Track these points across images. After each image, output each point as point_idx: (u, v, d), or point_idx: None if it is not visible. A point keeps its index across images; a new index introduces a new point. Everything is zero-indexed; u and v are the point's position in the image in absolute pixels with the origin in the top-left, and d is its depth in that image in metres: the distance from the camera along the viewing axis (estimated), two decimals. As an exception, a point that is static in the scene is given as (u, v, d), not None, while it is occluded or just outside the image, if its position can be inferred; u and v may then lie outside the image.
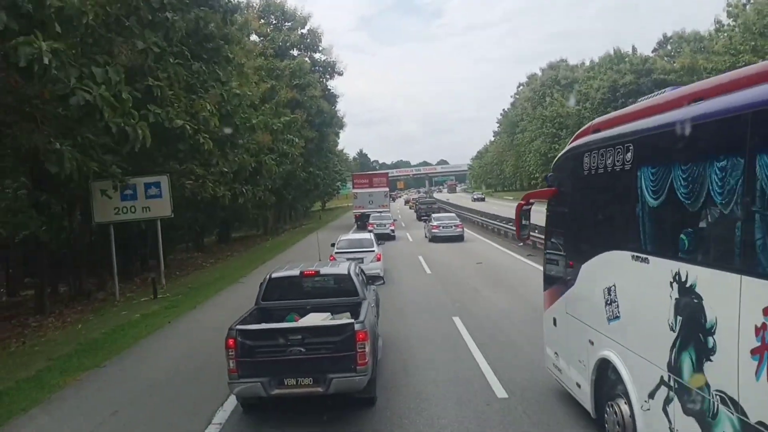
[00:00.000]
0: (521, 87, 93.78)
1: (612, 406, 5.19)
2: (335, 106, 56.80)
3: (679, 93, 4.46)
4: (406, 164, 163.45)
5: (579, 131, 6.47)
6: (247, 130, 20.82)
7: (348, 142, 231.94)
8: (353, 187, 41.38)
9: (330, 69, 53.60)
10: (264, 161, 24.96)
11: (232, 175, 21.44)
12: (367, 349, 6.16)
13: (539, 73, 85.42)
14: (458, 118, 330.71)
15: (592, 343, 5.54)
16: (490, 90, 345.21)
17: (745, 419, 3.28)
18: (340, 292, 8.00)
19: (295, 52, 48.56)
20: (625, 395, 4.89)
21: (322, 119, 48.21)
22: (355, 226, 35.82)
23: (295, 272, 8.27)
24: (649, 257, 4.40)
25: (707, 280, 3.66)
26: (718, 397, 3.54)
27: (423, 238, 30.10)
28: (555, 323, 6.72)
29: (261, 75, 31.98)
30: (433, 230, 27.96)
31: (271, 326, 6.80)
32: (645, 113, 4.73)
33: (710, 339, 3.60)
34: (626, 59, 62.74)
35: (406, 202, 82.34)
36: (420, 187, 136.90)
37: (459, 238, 27.59)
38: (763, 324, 3.08)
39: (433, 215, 32.81)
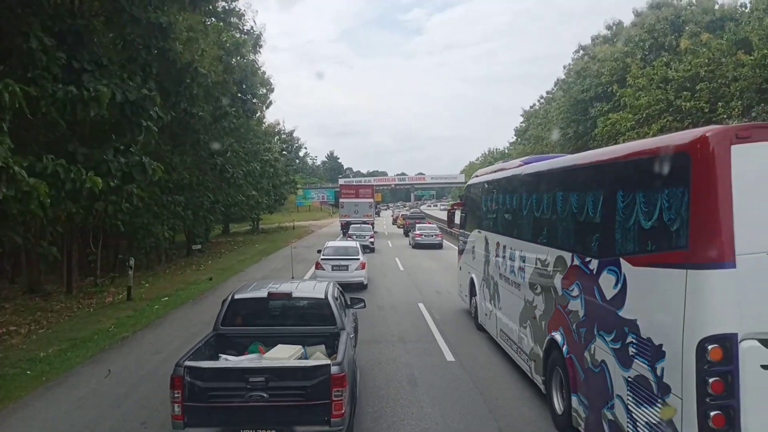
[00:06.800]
0: (579, 54, 55.23)
1: (473, 299, 11.86)
2: None
3: (491, 168, 11.23)
4: (383, 174, 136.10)
5: (474, 173, 13.24)
6: None
7: (319, 151, 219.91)
8: (341, 197, 46.27)
9: None
10: None
11: None
12: (345, 396, 5.41)
13: (629, 21, 48.40)
14: (433, 135, 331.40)
15: (469, 273, 12.24)
16: (466, 111, 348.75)
17: (492, 280, 9.97)
18: (315, 319, 7.17)
19: None
20: (476, 291, 11.54)
21: None
22: (341, 234, 39.84)
23: (263, 293, 7.36)
24: (482, 231, 11.11)
25: (490, 237, 10.37)
26: (491, 276, 10.21)
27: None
28: (461, 269, 13.46)
29: None
30: (416, 238, 33.28)
31: (229, 365, 5.92)
32: (486, 172, 11.55)
33: (489, 256, 10.29)
34: None
35: (395, 220, 61.72)
36: (405, 200, 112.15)
37: (438, 246, 32.34)
38: (497, 246, 9.76)
39: (417, 225, 36.77)
